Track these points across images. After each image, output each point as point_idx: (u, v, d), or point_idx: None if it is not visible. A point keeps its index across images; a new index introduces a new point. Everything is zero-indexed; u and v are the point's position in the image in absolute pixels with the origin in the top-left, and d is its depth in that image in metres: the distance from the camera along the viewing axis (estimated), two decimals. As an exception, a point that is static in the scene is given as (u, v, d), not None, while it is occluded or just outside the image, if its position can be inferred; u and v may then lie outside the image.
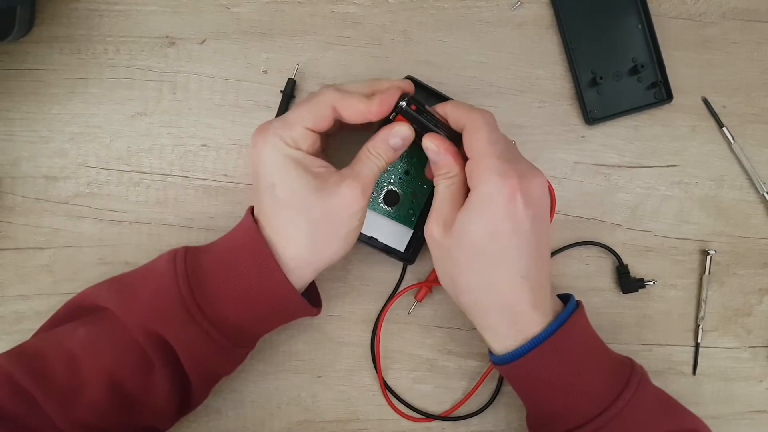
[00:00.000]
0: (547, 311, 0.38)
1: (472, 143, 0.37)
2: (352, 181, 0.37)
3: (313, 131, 0.38)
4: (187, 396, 0.40)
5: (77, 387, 0.36)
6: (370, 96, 0.38)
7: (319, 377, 0.47)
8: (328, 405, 0.47)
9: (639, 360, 0.40)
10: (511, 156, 0.37)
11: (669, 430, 0.38)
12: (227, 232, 0.40)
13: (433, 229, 0.38)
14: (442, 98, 0.44)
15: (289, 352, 0.47)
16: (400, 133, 0.39)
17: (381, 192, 0.45)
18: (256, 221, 0.38)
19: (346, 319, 0.48)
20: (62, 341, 0.37)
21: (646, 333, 0.48)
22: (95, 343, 0.37)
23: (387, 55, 0.48)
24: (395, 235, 0.45)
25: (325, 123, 0.38)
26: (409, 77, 0.43)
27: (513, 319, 0.38)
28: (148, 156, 0.47)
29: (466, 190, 0.38)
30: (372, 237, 0.44)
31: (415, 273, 0.48)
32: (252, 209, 0.40)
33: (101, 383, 0.36)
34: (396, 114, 0.39)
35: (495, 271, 0.37)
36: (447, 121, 0.40)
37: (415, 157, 0.44)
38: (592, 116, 0.47)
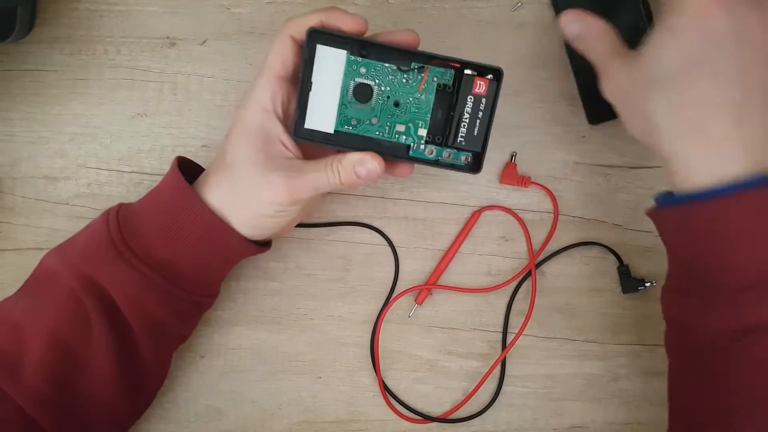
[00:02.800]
0: (757, 145, 0.33)
1: None
2: (288, 174, 0.36)
3: (285, 77, 0.37)
4: (134, 352, 0.38)
5: (20, 350, 0.36)
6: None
7: (320, 378, 0.47)
8: (329, 405, 0.47)
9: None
10: None
11: None
12: None
13: (617, 71, 0.37)
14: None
15: (290, 353, 0.47)
16: (370, 169, 0.36)
17: (365, 73, 0.37)
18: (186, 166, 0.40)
19: (346, 320, 0.47)
20: (5, 313, 0.38)
21: (646, 333, 0.48)
22: (35, 305, 0.37)
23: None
24: (322, 112, 0.37)
25: (291, 57, 0.36)
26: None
27: (742, 138, 0.33)
28: (149, 157, 0.47)
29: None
30: (310, 83, 0.36)
31: (415, 274, 0.48)
32: (178, 158, 0.40)
33: (41, 340, 0.36)
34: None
35: (699, 92, 0.33)
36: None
37: (411, 96, 0.38)
38: (593, 116, 0.47)
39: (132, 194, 0.47)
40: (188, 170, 0.40)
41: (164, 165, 0.47)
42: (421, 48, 0.38)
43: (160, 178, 0.46)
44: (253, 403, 0.47)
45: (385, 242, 0.48)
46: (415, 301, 0.47)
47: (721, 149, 0.33)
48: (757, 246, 0.33)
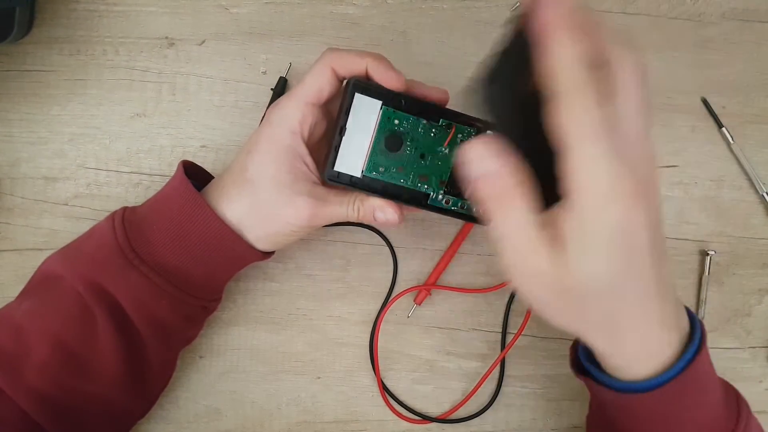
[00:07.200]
0: (673, 326, 0.32)
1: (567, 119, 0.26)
2: (312, 201, 0.37)
3: (317, 104, 0.37)
4: (141, 356, 0.38)
5: (22, 352, 0.36)
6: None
7: (319, 378, 0.47)
8: (328, 406, 0.47)
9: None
10: (623, 133, 0.26)
11: None
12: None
13: (541, 268, 0.28)
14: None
15: (289, 353, 0.47)
16: (389, 217, 0.38)
17: (398, 124, 0.38)
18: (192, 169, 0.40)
19: (345, 320, 0.48)
20: (8, 315, 0.37)
21: (645, 333, 0.48)
22: (40, 308, 0.37)
23: (386, 56, 0.47)
24: (352, 157, 0.37)
25: (328, 88, 0.37)
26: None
27: (643, 343, 0.31)
28: (148, 157, 0.47)
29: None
30: (344, 128, 0.37)
31: (414, 274, 0.48)
32: (184, 162, 0.40)
33: (45, 343, 0.36)
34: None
35: (625, 301, 0.29)
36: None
37: (437, 149, 0.39)
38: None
39: (131, 194, 0.47)
40: (193, 173, 0.40)
41: (163, 165, 0.47)
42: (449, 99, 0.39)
43: (159, 179, 0.47)
44: (253, 404, 0.47)
45: (383, 242, 0.48)
46: (414, 301, 0.47)
47: (653, 340, 0.31)
48: (688, 421, 0.33)
